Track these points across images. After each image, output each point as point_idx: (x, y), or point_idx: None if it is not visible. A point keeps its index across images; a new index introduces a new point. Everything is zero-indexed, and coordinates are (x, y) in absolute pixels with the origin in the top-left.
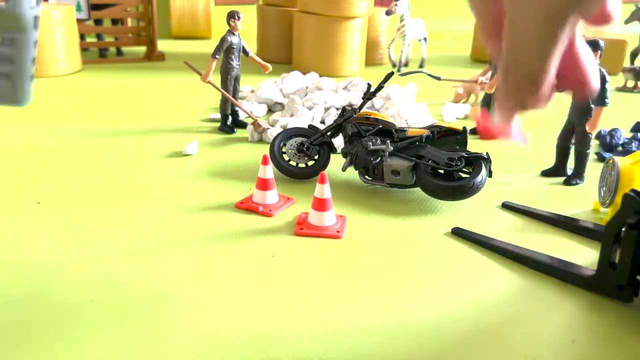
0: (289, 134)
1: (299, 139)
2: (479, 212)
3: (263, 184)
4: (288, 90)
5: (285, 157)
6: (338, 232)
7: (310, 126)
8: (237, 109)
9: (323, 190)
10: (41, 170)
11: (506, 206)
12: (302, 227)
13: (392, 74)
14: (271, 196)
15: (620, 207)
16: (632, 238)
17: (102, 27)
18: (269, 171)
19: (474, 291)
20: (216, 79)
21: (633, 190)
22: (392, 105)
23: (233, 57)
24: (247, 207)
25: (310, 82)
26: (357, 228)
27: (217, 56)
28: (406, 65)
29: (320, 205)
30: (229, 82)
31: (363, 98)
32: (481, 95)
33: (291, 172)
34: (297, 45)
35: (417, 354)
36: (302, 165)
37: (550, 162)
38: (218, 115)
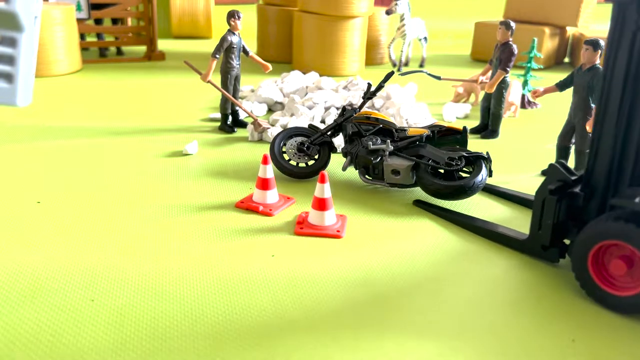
0: (289, 133)
1: (299, 139)
2: (478, 211)
3: (263, 184)
4: (288, 89)
5: (286, 157)
6: (338, 231)
7: (311, 126)
8: (237, 108)
9: (323, 189)
10: (41, 170)
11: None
12: (302, 227)
13: (392, 73)
14: (271, 196)
15: (547, 176)
16: (552, 202)
17: (102, 26)
18: (269, 171)
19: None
20: (216, 78)
21: (558, 162)
22: (393, 104)
23: (233, 56)
24: (247, 206)
25: (310, 82)
26: (358, 228)
27: (217, 56)
28: (406, 64)
29: (320, 204)
30: (229, 82)
31: (363, 97)
32: (482, 94)
33: (291, 171)
34: (297, 44)
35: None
36: (302, 164)
37: (550, 161)
38: (218, 115)
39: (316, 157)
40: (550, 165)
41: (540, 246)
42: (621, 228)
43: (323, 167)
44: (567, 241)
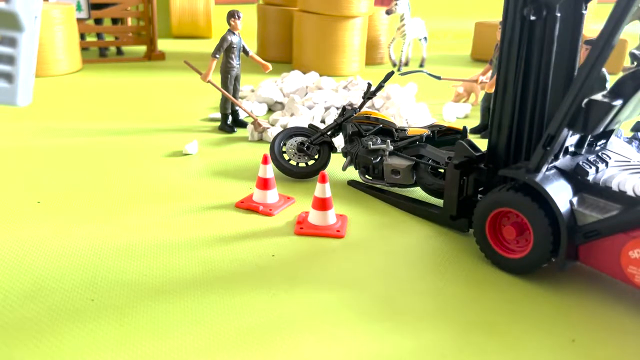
0: (289, 133)
1: (299, 139)
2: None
3: (263, 184)
4: (288, 89)
5: (286, 157)
6: (338, 231)
7: (311, 125)
8: (237, 108)
9: (323, 189)
10: (41, 170)
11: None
12: (302, 227)
13: (392, 73)
14: (271, 195)
15: (455, 153)
16: (456, 176)
17: (103, 26)
18: (269, 171)
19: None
20: (216, 78)
21: (465, 140)
22: (393, 104)
23: (233, 56)
24: (247, 206)
25: (310, 82)
26: (358, 227)
27: (217, 55)
28: (406, 64)
29: (320, 204)
30: (229, 82)
31: (363, 97)
32: (482, 94)
33: (291, 171)
34: (297, 44)
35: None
36: (302, 164)
37: None
38: (218, 115)
39: (316, 157)
40: (458, 143)
41: (450, 217)
42: (511, 197)
43: (323, 167)
44: None
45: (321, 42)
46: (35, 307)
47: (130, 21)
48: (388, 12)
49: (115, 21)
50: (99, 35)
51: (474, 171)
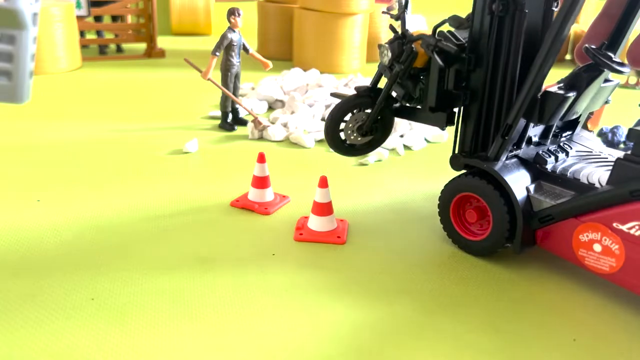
0: (342, 109)
1: (357, 115)
2: None
3: (259, 182)
4: (288, 87)
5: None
6: (339, 237)
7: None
8: (237, 106)
9: (323, 194)
10: (41, 168)
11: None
12: (301, 233)
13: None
14: (267, 194)
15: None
16: (436, 64)
17: (102, 24)
18: (265, 169)
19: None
20: (216, 76)
21: (448, 31)
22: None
23: (233, 54)
24: (242, 205)
25: (310, 79)
26: (359, 231)
27: (217, 53)
28: None
29: (320, 209)
30: (229, 80)
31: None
32: None
33: (353, 149)
34: (297, 42)
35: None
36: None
37: None
38: (218, 113)
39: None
40: (439, 32)
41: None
42: (472, 182)
43: (383, 139)
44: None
45: (322, 39)
46: (35, 307)
47: (130, 19)
48: (388, 10)
49: (115, 19)
50: (98, 33)
51: (456, 62)
